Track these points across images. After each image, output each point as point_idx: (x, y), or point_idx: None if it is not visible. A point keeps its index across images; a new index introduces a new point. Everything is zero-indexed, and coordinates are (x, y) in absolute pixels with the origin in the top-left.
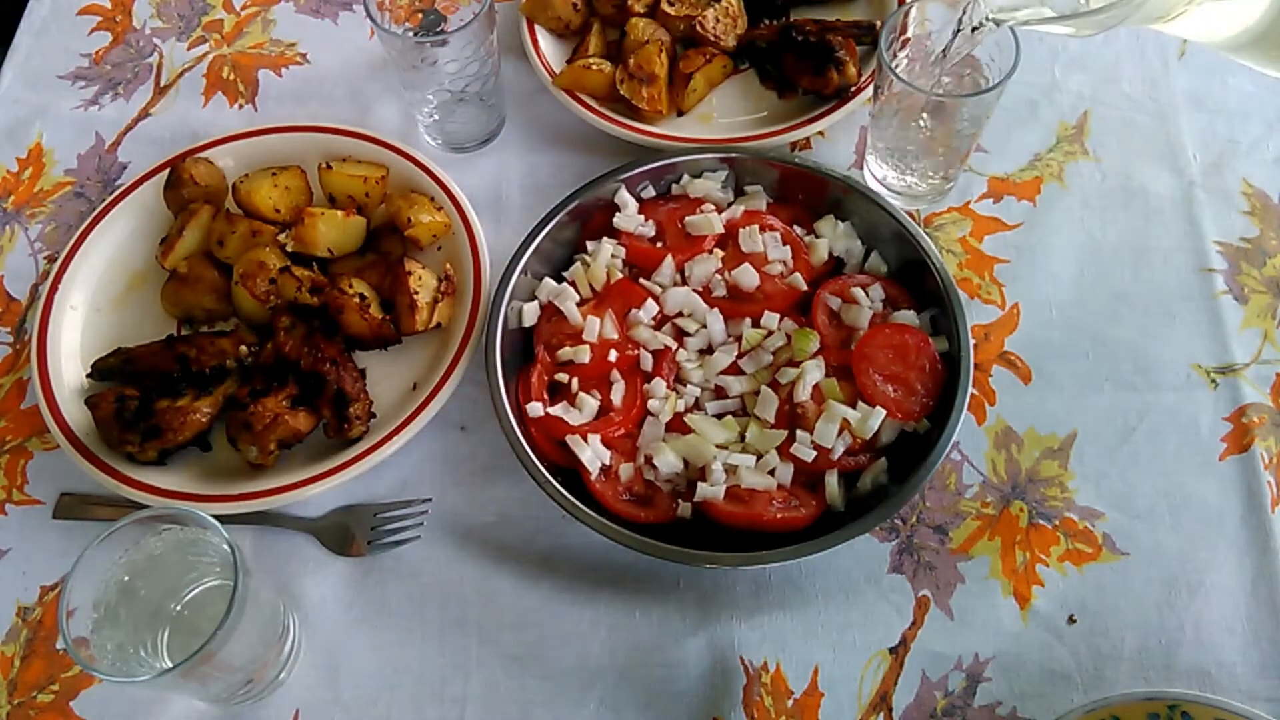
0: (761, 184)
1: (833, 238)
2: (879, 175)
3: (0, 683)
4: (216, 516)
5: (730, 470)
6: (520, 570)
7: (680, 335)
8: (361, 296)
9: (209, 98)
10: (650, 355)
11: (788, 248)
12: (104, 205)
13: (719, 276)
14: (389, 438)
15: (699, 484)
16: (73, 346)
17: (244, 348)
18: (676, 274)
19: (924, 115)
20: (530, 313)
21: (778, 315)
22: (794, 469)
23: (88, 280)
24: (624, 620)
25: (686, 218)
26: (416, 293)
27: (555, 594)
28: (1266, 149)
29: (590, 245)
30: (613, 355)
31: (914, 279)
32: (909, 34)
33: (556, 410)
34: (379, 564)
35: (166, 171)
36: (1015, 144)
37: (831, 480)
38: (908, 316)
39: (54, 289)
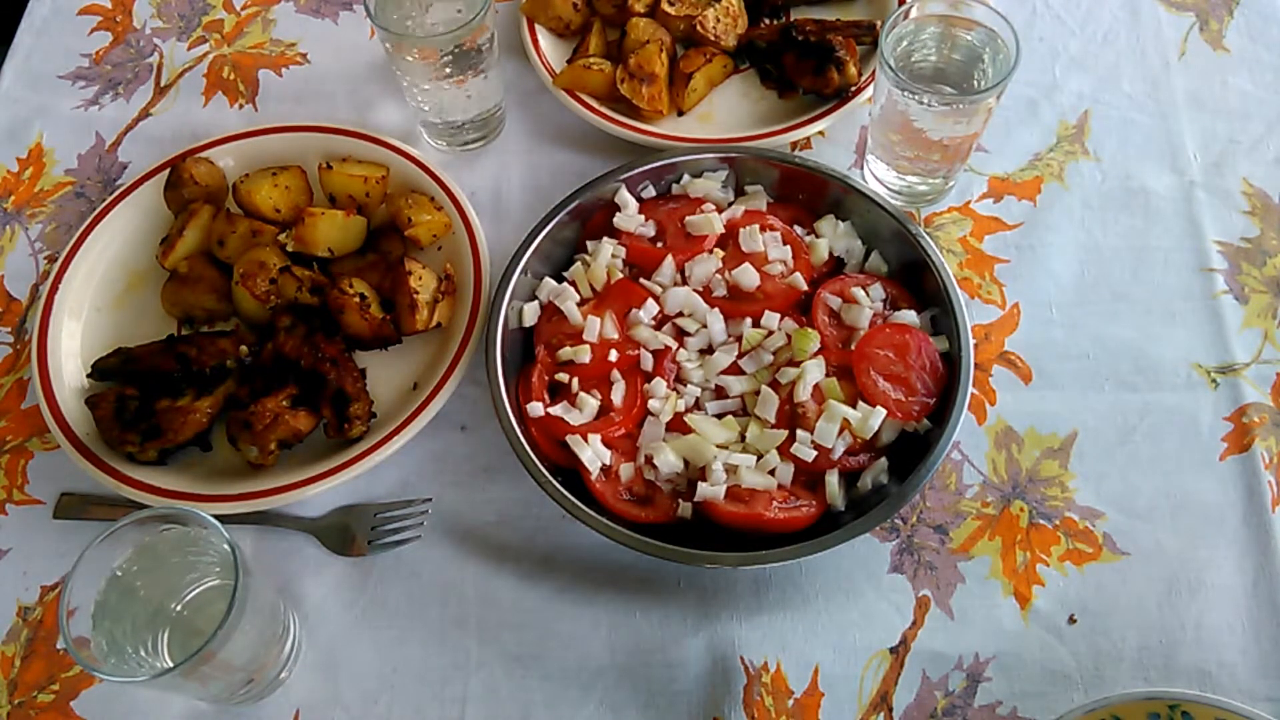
0: (762, 184)
1: (833, 237)
2: (879, 175)
3: (0, 683)
4: (216, 516)
5: (730, 470)
6: (520, 570)
7: (680, 335)
8: (362, 296)
9: (209, 98)
10: (650, 355)
11: (788, 248)
12: (104, 205)
13: (719, 276)
14: (389, 438)
15: (699, 484)
16: (73, 346)
17: (244, 348)
18: (677, 274)
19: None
20: (530, 313)
21: (778, 315)
22: (794, 469)
23: (88, 280)
24: (624, 620)
25: (687, 217)
26: (417, 292)
27: (555, 594)
28: (1266, 149)
29: (590, 245)
30: (613, 355)
31: (914, 279)
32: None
33: (557, 410)
34: (379, 564)
35: (167, 171)
36: (1015, 144)
37: (832, 480)
38: (908, 316)
39: (54, 289)
